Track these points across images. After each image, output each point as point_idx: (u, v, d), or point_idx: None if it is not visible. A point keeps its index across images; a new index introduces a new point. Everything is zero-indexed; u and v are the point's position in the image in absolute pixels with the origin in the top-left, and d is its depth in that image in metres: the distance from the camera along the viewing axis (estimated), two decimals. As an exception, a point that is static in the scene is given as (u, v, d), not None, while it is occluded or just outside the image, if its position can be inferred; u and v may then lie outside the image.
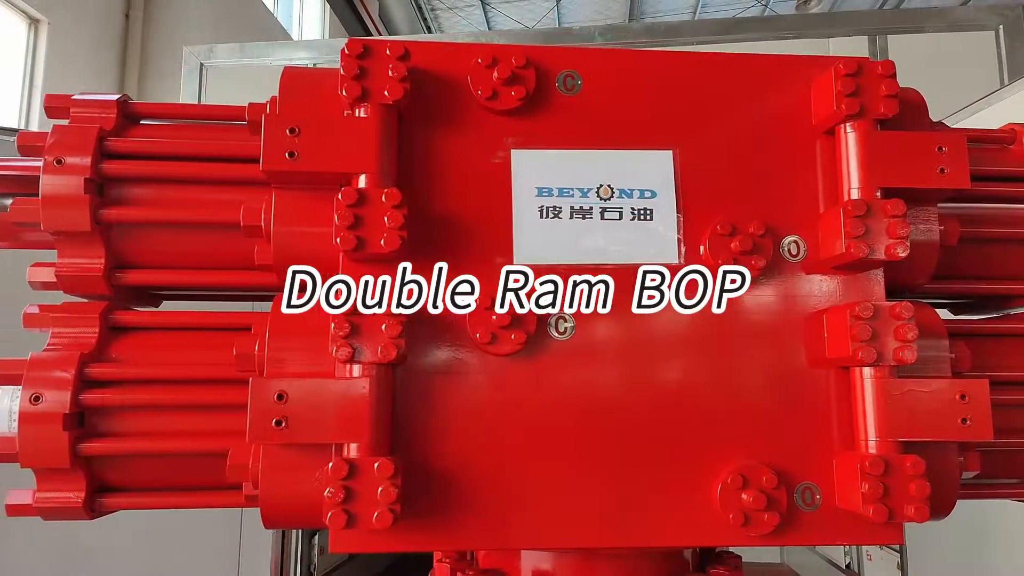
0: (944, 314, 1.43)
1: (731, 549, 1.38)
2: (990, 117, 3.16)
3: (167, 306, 1.36)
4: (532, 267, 1.09)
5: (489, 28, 16.37)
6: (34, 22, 8.35)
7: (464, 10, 16.44)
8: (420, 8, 16.40)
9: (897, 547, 4.43)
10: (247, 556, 4.51)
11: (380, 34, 14.86)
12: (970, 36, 4.05)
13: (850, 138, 1.10)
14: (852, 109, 1.08)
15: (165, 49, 9.31)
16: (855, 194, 1.09)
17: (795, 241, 1.13)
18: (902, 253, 1.05)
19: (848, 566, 8.23)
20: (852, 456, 1.04)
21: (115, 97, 1.23)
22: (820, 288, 1.13)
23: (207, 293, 1.38)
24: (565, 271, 1.09)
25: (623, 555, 1.19)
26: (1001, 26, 3.93)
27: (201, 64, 4.58)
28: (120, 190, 1.19)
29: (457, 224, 1.09)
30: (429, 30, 17.16)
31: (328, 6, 14.16)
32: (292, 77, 1.12)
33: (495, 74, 1.09)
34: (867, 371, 1.05)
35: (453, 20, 16.92)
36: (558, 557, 1.20)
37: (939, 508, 1.13)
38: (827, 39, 4.14)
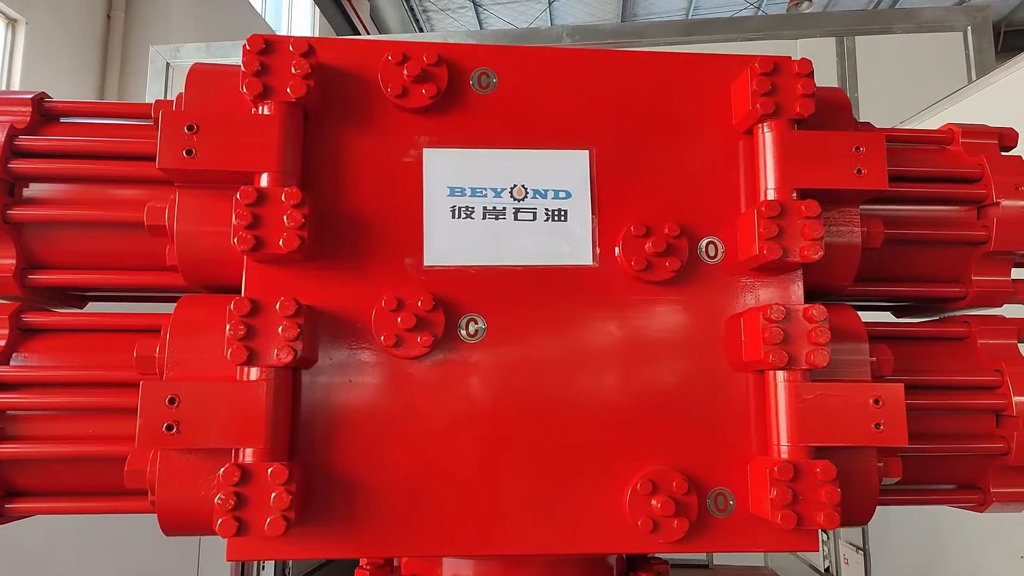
0: (887, 318, 1.42)
1: (658, 555, 1.36)
2: (955, 115, 3.15)
3: (97, 308, 1.34)
4: (443, 268, 1.07)
5: (481, 28, 16.35)
6: (11, 22, 8.29)
7: (456, 11, 16.42)
8: (412, 9, 16.37)
9: (862, 548, 4.42)
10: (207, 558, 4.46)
11: (370, 35, 14.83)
12: (939, 37, 4.05)
13: (767, 138, 1.08)
14: (767, 108, 1.07)
15: (146, 49, 9.26)
16: (771, 195, 1.07)
17: (712, 242, 1.12)
18: (816, 255, 1.04)
19: (827, 570, 8.25)
20: (764, 461, 1.02)
21: (31, 95, 1.20)
22: (739, 291, 1.11)
23: (135, 295, 1.36)
24: (477, 273, 1.07)
25: (544, 561, 1.17)
26: (969, 27, 3.94)
27: (167, 64, 4.54)
28: (31, 189, 1.16)
29: (366, 224, 1.07)
30: (421, 30, 17.13)
31: (317, 8, 14.12)
32: (199, 74, 1.10)
33: (405, 71, 1.07)
34: (780, 375, 1.03)
35: (445, 21, 16.90)
36: (478, 564, 1.18)
37: (857, 514, 1.11)
38: (795, 40, 4.15)
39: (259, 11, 12.62)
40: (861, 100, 4.08)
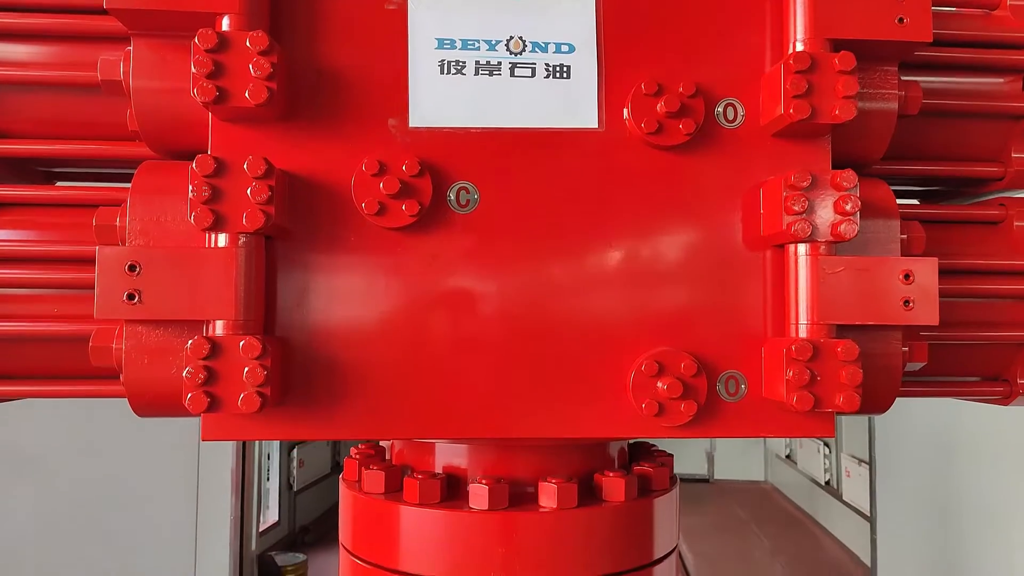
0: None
1: (663, 449, 1.31)
2: None
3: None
4: (430, 130, 0.96)
5: None
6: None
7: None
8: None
9: (867, 461, 4.45)
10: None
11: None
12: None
13: (797, -19, 0.95)
14: (799, -54, 0.93)
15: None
16: (799, 47, 0.95)
17: (732, 104, 1.00)
18: (849, 116, 0.92)
19: (828, 483, 8.42)
20: (781, 342, 0.94)
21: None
22: (759, 159, 1.01)
23: (103, 173, 1.27)
24: (468, 135, 0.97)
25: (540, 448, 1.11)
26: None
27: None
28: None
29: (344, 81, 0.96)
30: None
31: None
32: (152, -96, 0.96)
33: (386, -98, 0.93)
34: (801, 248, 0.94)
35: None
36: (472, 451, 1.13)
37: (877, 401, 1.04)
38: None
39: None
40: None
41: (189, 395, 0.84)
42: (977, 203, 1.27)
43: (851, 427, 7.47)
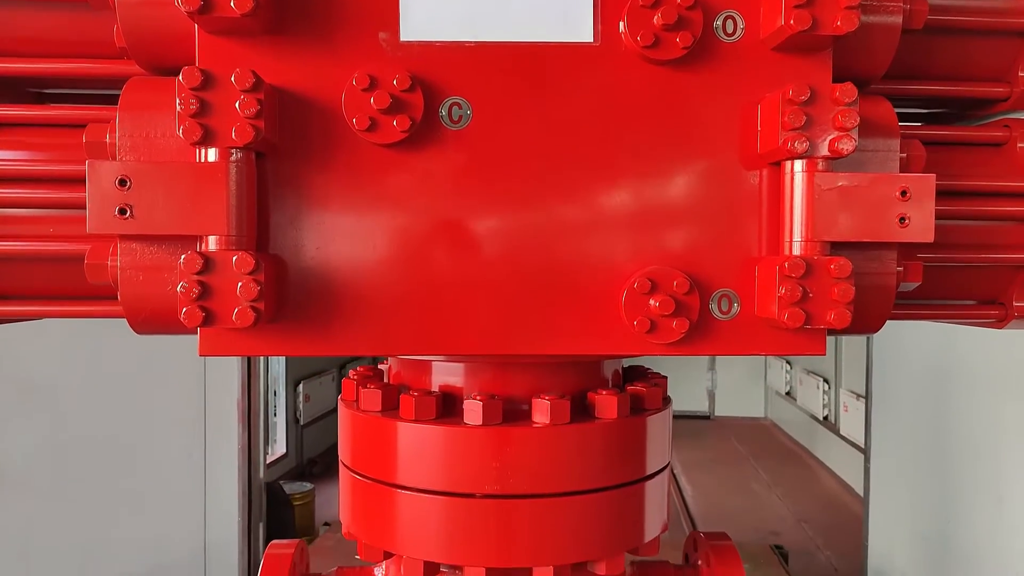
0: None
1: (659, 373, 1.32)
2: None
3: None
4: (421, 44, 0.94)
5: None
6: None
7: None
8: None
9: (863, 395, 4.51)
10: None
11: None
12: None
13: None
14: None
15: None
16: (801, -45, 0.92)
17: (731, 17, 0.97)
18: (851, 26, 0.90)
19: (826, 418, 8.55)
20: (774, 259, 0.94)
21: None
22: (758, 74, 0.99)
23: (95, 93, 1.25)
24: (461, 50, 0.95)
25: (534, 367, 1.13)
26: None
27: None
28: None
29: (333, -9, 0.94)
30: None
31: None
32: None
33: None
34: (798, 164, 0.93)
35: None
36: (467, 369, 1.14)
37: (869, 320, 1.05)
38: None
39: None
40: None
41: (184, 310, 0.85)
42: (981, 125, 1.25)
43: (850, 363, 7.54)
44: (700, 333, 0.98)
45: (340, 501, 1.23)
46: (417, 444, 1.08)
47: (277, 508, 5.54)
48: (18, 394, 4.33)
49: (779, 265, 0.91)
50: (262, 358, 5.42)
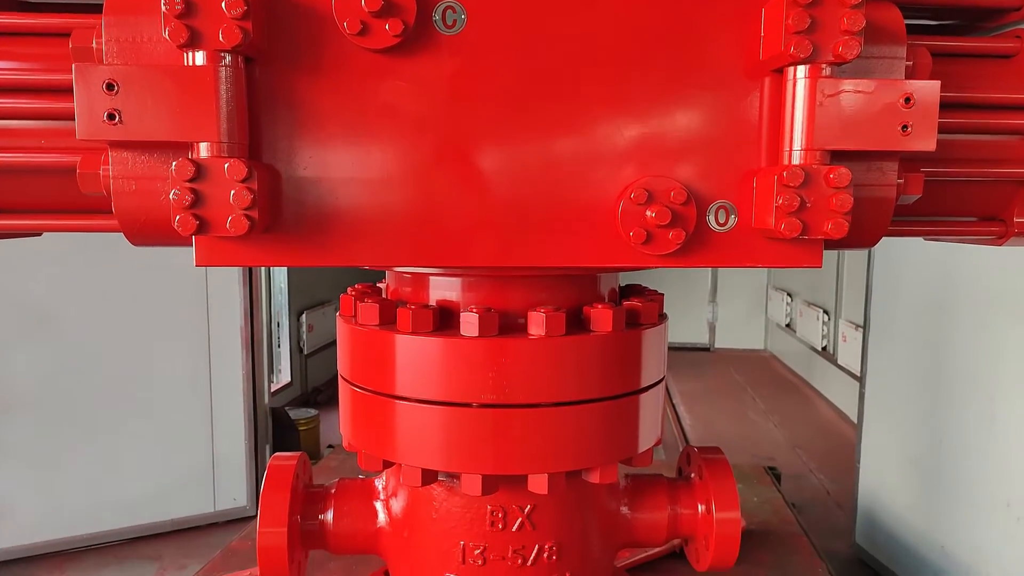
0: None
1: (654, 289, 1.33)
2: None
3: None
4: (414, -57, 0.91)
5: None
6: None
7: None
8: None
9: (860, 325, 4.54)
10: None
11: None
12: None
13: None
14: None
15: None
16: None
17: (736, -86, 0.93)
18: (860, -80, 0.86)
19: (824, 348, 8.63)
20: (773, 169, 0.93)
21: None
22: (762, -23, 0.95)
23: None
24: (455, -51, 0.92)
25: (530, 281, 1.13)
26: None
27: None
28: None
29: None
30: None
31: None
32: None
33: None
34: (800, 70, 0.90)
35: None
36: (464, 284, 1.15)
37: (867, 233, 1.04)
38: None
39: None
40: None
41: (177, 217, 0.85)
42: (991, 36, 1.21)
43: (851, 295, 7.57)
44: (696, 245, 0.97)
45: (340, 414, 1.26)
46: (415, 356, 1.09)
47: (283, 432, 5.67)
48: (21, 322, 4.38)
49: (777, 174, 0.90)
50: (263, 285, 5.45)
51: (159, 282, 4.64)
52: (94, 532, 4.64)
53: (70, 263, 4.39)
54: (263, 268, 5.46)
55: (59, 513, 4.54)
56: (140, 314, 4.64)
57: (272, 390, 7.31)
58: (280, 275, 7.90)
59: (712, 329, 11.75)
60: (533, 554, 1.20)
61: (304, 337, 8.12)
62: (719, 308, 11.73)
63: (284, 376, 7.96)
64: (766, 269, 11.40)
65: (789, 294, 10.20)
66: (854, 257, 7.44)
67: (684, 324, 11.42)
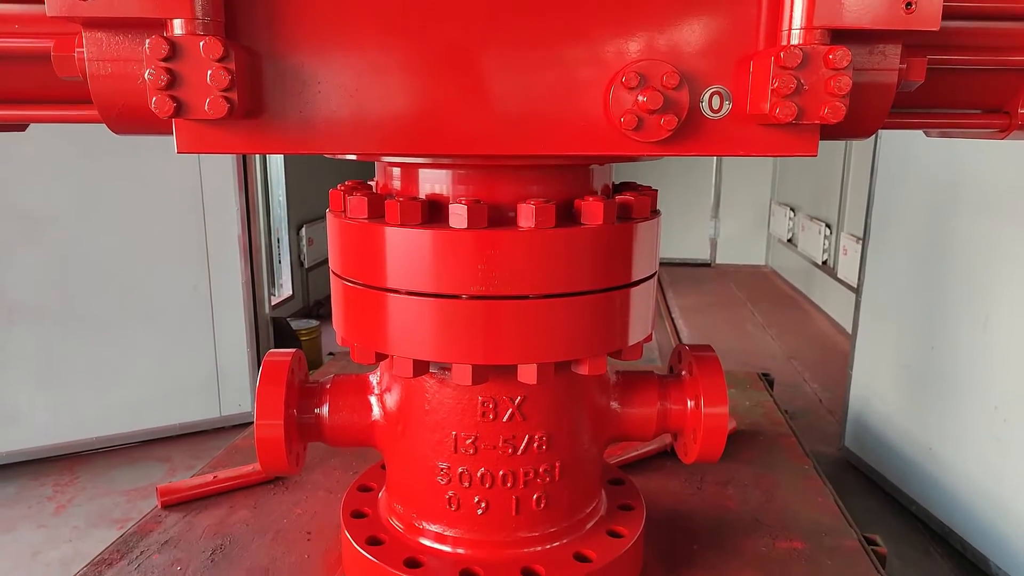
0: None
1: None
2: None
3: None
4: None
5: None
6: None
7: None
8: None
9: (861, 237, 4.51)
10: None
11: None
12: None
13: None
14: None
15: None
16: None
17: None
18: None
19: (824, 262, 8.63)
20: (770, 51, 0.90)
21: None
22: None
23: None
24: None
25: (520, 172, 1.11)
26: None
27: None
28: None
29: None
30: None
31: None
32: None
33: None
34: (802, -58, 0.86)
35: None
36: (453, 176, 1.13)
37: (865, 121, 1.02)
38: None
39: None
40: None
41: (154, 99, 0.82)
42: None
43: (854, 208, 7.51)
44: (689, 132, 0.95)
45: (332, 310, 1.26)
46: (404, 248, 1.08)
47: (284, 342, 5.74)
48: (21, 229, 4.37)
49: (775, 55, 0.87)
50: (259, 195, 5.40)
51: (155, 192, 4.60)
52: (102, 436, 4.77)
53: (60, 168, 4.34)
54: (258, 176, 5.39)
55: (68, 417, 4.65)
56: (137, 224, 4.62)
57: (274, 303, 7.38)
58: (279, 188, 7.83)
59: (714, 245, 11.72)
60: (523, 444, 1.23)
61: (304, 251, 8.13)
62: (721, 224, 11.67)
63: (286, 290, 8.01)
64: (770, 182, 11.27)
65: (792, 208, 10.12)
66: (859, 169, 7.34)
67: (686, 240, 11.38)
